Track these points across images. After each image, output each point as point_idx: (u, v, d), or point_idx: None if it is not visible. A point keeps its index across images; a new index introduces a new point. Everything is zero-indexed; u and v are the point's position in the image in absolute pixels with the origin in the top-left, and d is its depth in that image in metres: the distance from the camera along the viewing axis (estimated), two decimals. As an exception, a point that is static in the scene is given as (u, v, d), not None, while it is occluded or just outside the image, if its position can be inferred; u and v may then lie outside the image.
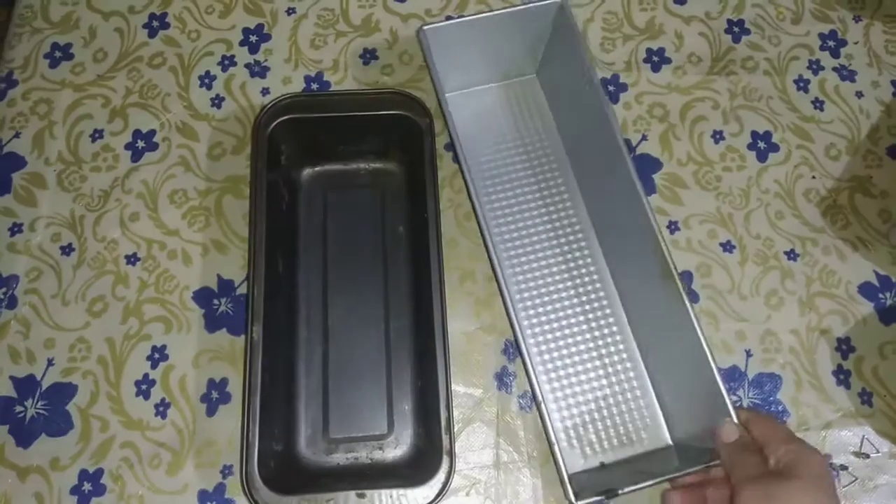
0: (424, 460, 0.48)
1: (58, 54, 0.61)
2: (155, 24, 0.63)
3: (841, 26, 0.66)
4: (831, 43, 0.65)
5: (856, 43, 0.65)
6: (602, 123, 0.52)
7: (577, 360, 0.54)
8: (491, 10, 0.55)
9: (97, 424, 0.51)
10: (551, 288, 0.56)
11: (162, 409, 0.51)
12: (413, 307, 0.55)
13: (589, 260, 0.57)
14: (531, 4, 0.55)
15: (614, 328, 0.55)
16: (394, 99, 0.55)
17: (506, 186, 0.59)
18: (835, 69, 0.64)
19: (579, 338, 0.54)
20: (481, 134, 0.60)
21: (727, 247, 0.57)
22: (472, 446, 0.52)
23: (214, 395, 0.52)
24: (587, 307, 0.55)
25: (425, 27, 0.53)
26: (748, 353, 0.54)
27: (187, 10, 0.63)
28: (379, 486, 0.46)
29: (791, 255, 0.57)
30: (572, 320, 0.55)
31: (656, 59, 0.64)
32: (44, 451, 0.50)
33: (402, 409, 0.52)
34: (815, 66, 0.64)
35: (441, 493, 0.45)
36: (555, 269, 0.56)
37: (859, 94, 0.63)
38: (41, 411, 0.51)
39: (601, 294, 0.56)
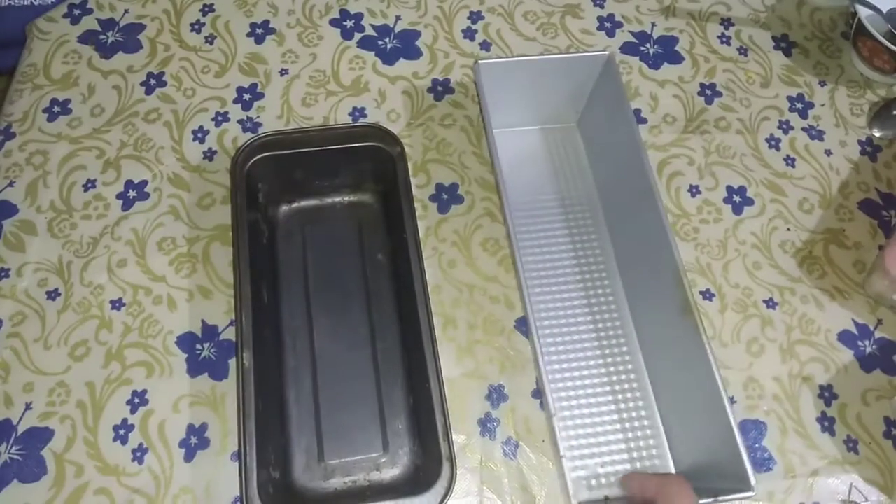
0: (423, 476, 0.48)
1: (56, 109, 0.63)
2: (152, 82, 0.65)
3: (808, 90, 0.69)
4: (799, 105, 0.68)
5: (822, 105, 0.69)
6: (637, 171, 0.54)
7: (591, 393, 0.55)
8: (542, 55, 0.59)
9: (72, 470, 0.49)
10: (571, 321, 0.58)
11: (139, 454, 0.50)
12: (399, 328, 0.55)
13: (611, 298, 0.58)
14: (582, 53, 0.58)
15: (630, 366, 0.56)
16: (365, 132, 0.57)
17: (536, 222, 0.61)
18: (804, 129, 0.67)
19: (594, 371, 0.56)
20: (517, 172, 0.63)
21: (707, 295, 0.58)
22: (455, 494, 0.50)
23: (193, 440, 0.51)
24: (604, 342, 0.57)
25: (480, 62, 0.56)
26: (732, 400, 0.54)
27: (184, 70, 0.66)
28: (382, 500, 0.45)
29: (770, 303, 0.58)
30: (589, 353, 0.56)
31: (633, 119, 0.66)
32: (14, 498, 0.49)
33: (395, 428, 0.52)
34: (786, 126, 0.67)
35: (444, 499, 0.45)
36: (576, 302, 0.58)
37: (828, 152, 0.66)
38: (15, 456, 0.50)
39: (619, 332, 0.57)
